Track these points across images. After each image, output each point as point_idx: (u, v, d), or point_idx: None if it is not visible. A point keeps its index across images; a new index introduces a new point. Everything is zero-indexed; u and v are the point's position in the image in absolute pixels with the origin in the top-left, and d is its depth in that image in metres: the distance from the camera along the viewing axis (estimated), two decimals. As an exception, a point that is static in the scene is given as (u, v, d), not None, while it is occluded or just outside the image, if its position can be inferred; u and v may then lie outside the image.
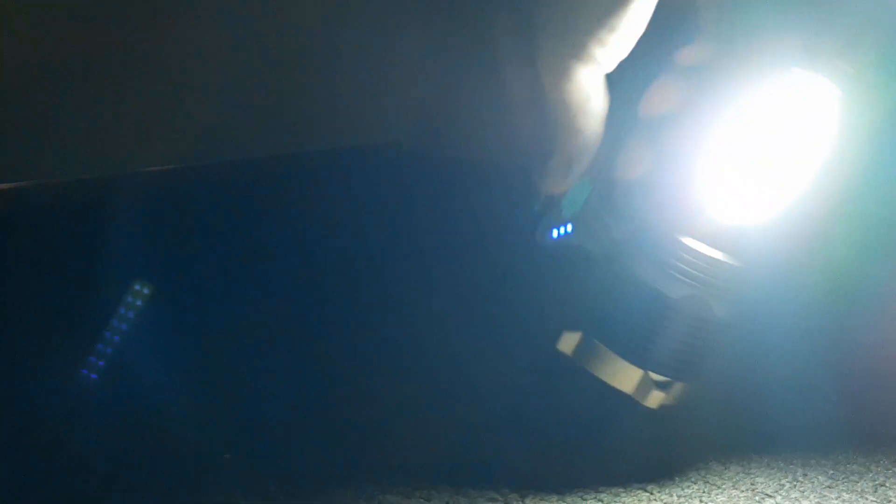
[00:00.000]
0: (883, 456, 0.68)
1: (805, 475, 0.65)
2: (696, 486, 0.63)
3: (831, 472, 0.66)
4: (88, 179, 0.74)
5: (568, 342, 0.61)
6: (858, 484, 0.64)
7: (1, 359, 0.73)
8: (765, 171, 0.59)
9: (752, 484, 0.64)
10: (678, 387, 0.61)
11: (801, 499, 0.62)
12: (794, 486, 0.64)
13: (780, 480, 0.64)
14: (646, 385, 0.60)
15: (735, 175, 0.59)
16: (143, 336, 0.73)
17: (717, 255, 0.59)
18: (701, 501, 0.62)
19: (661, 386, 0.60)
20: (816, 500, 0.62)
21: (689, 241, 0.59)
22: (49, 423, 0.69)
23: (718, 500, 0.62)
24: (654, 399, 0.60)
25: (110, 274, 0.74)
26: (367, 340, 0.76)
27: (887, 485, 0.64)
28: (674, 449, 0.68)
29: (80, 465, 0.65)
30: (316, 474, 0.65)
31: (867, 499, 0.62)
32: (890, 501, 0.62)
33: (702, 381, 0.63)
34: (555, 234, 0.62)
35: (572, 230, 0.61)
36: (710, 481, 0.64)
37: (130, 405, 0.71)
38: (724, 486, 0.63)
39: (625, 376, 0.60)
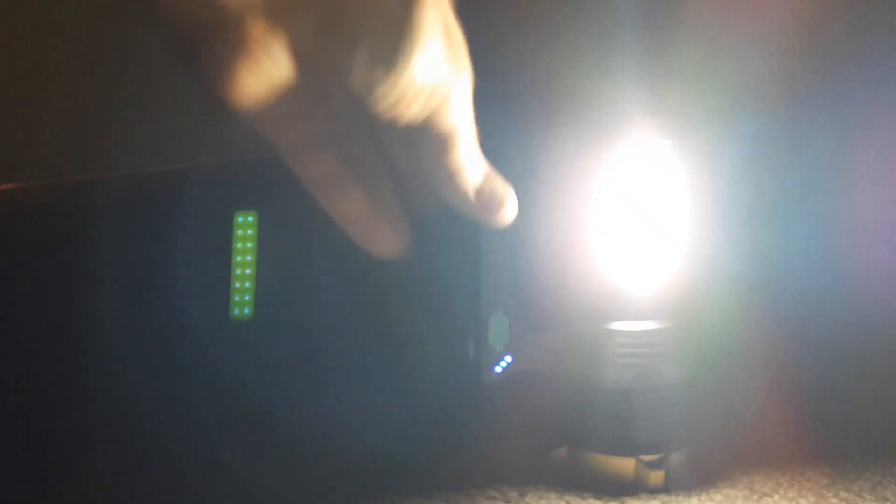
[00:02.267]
0: (880, 455, 0.68)
1: (803, 474, 0.65)
2: (694, 486, 0.64)
3: (829, 471, 0.66)
4: (86, 181, 0.74)
5: (557, 458, 0.65)
6: (856, 483, 0.64)
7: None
8: (649, 232, 0.63)
9: (750, 483, 0.64)
10: (674, 457, 0.64)
11: (798, 498, 0.62)
12: (792, 485, 0.64)
13: (777, 479, 0.65)
14: (641, 470, 0.63)
15: (628, 246, 0.63)
16: (142, 334, 0.74)
17: (646, 325, 0.63)
18: (699, 500, 0.62)
19: (656, 465, 0.63)
20: (814, 500, 0.62)
21: (617, 325, 0.63)
22: (46, 425, 0.70)
23: (716, 498, 0.62)
24: (655, 479, 0.63)
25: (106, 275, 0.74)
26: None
27: (885, 483, 0.64)
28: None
29: (79, 466, 0.66)
30: (316, 474, 0.66)
31: (865, 498, 0.62)
32: (888, 500, 0.62)
33: (692, 444, 0.65)
34: (497, 369, 0.66)
35: (512, 359, 0.66)
36: (708, 480, 0.64)
37: (128, 405, 0.71)
38: (721, 485, 0.64)
39: (620, 470, 0.63)
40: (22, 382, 0.72)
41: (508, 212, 0.58)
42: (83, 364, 0.72)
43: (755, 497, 0.62)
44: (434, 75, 0.49)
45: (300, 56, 0.47)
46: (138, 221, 0.70)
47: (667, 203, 0.64)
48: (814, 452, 0.68)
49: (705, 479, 0.64)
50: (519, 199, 0.60)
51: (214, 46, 0.45)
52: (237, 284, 0.67)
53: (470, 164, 0.55)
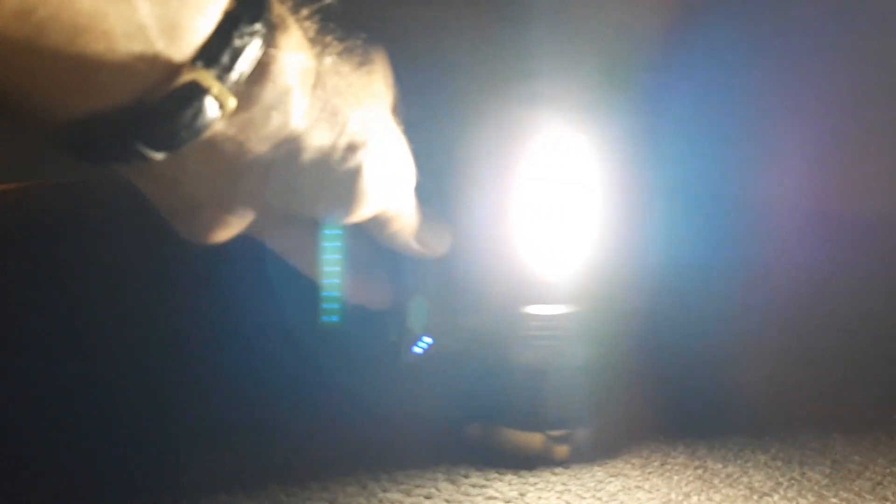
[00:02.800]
0: (881, 455, 0.68)
1: (803, 474, 0.65)
2: (693, 485, 0.64)
3: (829, 471, 0.66)
4: (88, 181, 0.74)
5: (472, 432, 0.69)
6: (856, 483, 0.64)
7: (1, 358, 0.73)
8: (560, 219, 0.67)
9: (750, 482, 0.64)
10: (580, 433, 0.67)
11: (798, 497, 0.62)
12: (792, 485, 0.64)
13: (777, 479, 0.64)
14: (548, 444, 0.67)
15: (542, 234, 0.67)
16: (140, 335, 0.74)
17: (556, 309, 0.67)
18: (699, 500, 0.62)
19: (562, 440, 0.67)
20: (814, 500, 0.62)
21: (528, 309, 0.67)
22: (45, 423, 0.70)
23: (716, 498, 0.62)
24: (560, 453, 0.67)
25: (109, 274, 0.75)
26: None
27: (885, 483, 0.64)
28: (672, 448, 0.69)
29: (80, 463, 0.66)
30: (317, 472, 0.66)
31: (865, 498, 0.62)
32: (888, 500, 0.62)
33: (603, 425, 0.68)
34: (417, 350, 0.70)
35: (432, 341, 0.70)
36: (708, 480, 0.64)
37: (129, 404, 0.71)
38: (721, 486, 0.63)
39: (528, 443, 0.67)
40: (17, 380, 0.72)
41: (446, 247, 0.64)
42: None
43: (755, 497, 0.62)
44: (383, 204, 0.57)
45: (266, 212, 0.54)
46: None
47: (578, 193, 0.67)
48: (814, 452, 0.68)
49: (704, 477, 0.64)
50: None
51: (185, 223, 0.53)
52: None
53: (410, 224, 0.61)
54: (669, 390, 0.76)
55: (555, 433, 0.67)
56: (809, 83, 0.78)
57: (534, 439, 0.67)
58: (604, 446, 0.68)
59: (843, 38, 0.78)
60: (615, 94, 0.69)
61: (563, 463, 0.66)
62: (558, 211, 0.67)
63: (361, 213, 0.56)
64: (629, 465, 0.67)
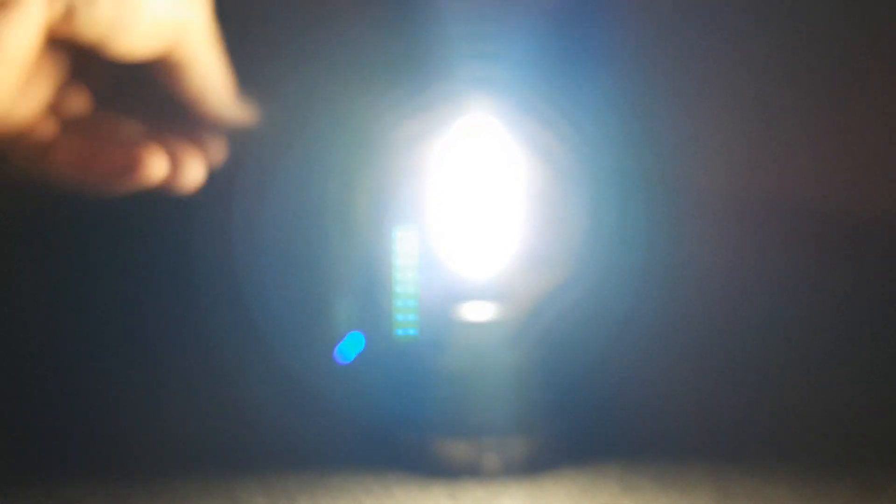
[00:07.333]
0: (869, 452, 0.68)
1: (832, 487, 0.63)
2: (712, 496, 0.61)
3: (856, 484, 0.63)
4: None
5: (407, 440, 0.67)
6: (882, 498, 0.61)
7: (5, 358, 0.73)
8: (485, 220, 0.67)
9: (772, 497, 0.61)
10: (512, 442, 0.66)
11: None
12: (817, 500, 0.61)
13: (801, 493, 0.62)
14: (477, 453, 0.65)
15: (466, 232, 0.67)
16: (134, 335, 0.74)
17: (484, 314, 0.66)
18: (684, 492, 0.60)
19: (492, 448, 0.65)
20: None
21: (456, 313, 0.66)
22: (51, 420, 0.71)
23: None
24: (490, 462, 0.65)
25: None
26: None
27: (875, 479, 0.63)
28: (689, 461, 0.68)
29: (84, 460, 0.67)
30: (319, 469, 0.66)
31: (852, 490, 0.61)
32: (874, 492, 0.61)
33: (538, 432, 0.66)
34: (350, 352, 0.71)
35: (364, 343, 0.71)
36: (728, 493, 0.62)
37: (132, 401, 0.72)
38: (742, 500, 0.61)
39: (457, 452, 0.66)
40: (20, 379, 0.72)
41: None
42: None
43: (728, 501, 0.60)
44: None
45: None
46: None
47: (502, 186, 0.67)
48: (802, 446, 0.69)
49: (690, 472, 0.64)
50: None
51: None
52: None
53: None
54: (606, 398, 0.74)
55: (484, 442, 0.65)
56: (744, 65, 0.76)
57: (462, 448, 0.65)
58: (537, 458, 0.66)
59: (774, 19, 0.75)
60: (542, 84, 0.67)
61: (493, 474, 0.65)
62: (483, 210, 0.67)
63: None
64: (645, 478, 0.65)
